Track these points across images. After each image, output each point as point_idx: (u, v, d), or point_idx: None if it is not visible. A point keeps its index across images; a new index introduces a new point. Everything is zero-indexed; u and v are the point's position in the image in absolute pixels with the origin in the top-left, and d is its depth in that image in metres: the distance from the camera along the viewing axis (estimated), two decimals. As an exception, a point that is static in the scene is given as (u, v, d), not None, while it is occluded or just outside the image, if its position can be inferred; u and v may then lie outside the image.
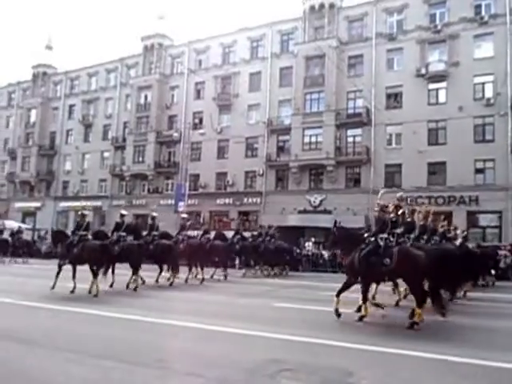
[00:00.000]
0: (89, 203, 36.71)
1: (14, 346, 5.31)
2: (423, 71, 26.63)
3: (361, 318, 7.17)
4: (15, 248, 23.63)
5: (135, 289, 10.94)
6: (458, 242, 12.60)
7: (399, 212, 8.33)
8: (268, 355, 4.89)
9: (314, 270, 22.13)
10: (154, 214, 14.24)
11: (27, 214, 41.09)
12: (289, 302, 9.60)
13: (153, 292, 11.11)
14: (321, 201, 28.39)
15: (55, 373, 4.34)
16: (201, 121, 33.66)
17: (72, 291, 9.89)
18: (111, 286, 11.15)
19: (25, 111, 42.64)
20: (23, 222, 38.68)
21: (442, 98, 26.52)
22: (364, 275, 7.50)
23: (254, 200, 30.56)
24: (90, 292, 9.76)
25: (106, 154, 38.06)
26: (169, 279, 12.78)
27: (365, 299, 7.39)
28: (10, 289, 10.60)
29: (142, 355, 4.87)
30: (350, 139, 28.72)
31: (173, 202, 30.86)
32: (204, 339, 5.81)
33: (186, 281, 13.34)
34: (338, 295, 7.50)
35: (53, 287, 10.12)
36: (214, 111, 33.04)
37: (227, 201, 31.49)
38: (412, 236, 9.05)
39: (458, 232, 13.53)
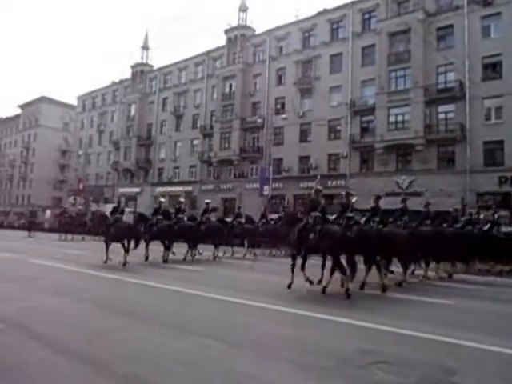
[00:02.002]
0: (180, 188, 39.86)
1: (118, 318, 5.75)
2: (526, 36, 24.12)
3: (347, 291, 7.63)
4: None
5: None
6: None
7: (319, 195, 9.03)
8: (361, 345, 4.71)
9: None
10: (162, 199, 15.90)
11: (129, 199, 45.70)
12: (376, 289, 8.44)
13: (233, 273, 11.36)
14: (410, 182, 27.22)
15: (155, 347, 4.48)
16: (283, 106, 34.30)
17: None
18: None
19: (126, 106, 47.37)
20: (126, 205, 43.10)
21: (547, 64, 23.86)
22: (297, 248, 8.64)
23: (338, 183, 30.31)
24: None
25: (195, 142, 40.70)
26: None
27: (292, 270, 8.44)
28: (114, 266, 11.39)
29: (235, 335, 5.01)
30: (442, 116, 27.12)
31: (258, 185, 32.11)
32: (294, 323, 5.77)
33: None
34: (302, 269, 8.56)
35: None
36: (296, 95, 33.44)
37: (311, 184, 31.52)
38: (350, 215, 9.15)
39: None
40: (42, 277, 9.43)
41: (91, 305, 6.56)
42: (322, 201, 8.88)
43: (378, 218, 9.65)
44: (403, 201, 11.26)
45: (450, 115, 26.80)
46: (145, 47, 47.53)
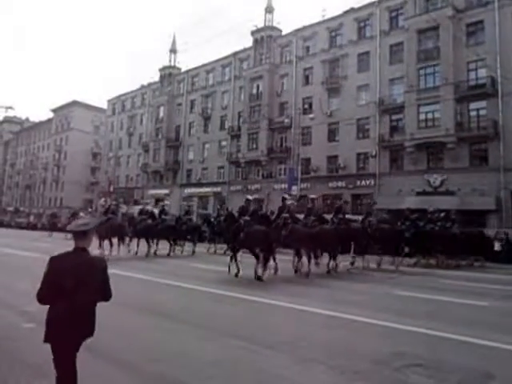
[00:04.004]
0: (209, 189, 40.63)
1: (152, 319, 5.88)
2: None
3: (259, 278, 9.96)
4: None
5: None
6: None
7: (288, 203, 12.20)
8: (394, 347, 4.67)
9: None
10: (166, 202, 17.93)
11: (158, 200, 46.78)
12: (412, 290, 9.00)
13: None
14: (442, 181, 26.96)
15: (190, 348, 4.58)
16: (310, 105, 34.48)
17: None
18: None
19: (154, 109, 48.48)
20: (155, 206, 44.24)
21: None
22: (232, 243, 11.22)
23: (368, 182, 30.33)
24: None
25: (223, 143, 41.32)
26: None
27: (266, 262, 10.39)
28: (141, 266, 12.46)
29: (268, 337, 5.03)
30: (473, 113, 26.73)
31: (286, 186, 32.40)
32: (326, 325, 5.81)
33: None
34: (232, 260, 10.80)
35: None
36: (323, 95, 33.56)
37: (339, 184, 31.80)
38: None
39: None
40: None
41: (114, 304, 6.90)
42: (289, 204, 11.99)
43: (312, 217, 12.20)
44: (373, 204, 13.86)
45: (482, 112, 26.41)
46: (172, 50, 48.48)
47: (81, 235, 2.83)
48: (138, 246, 16.16)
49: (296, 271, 11.35)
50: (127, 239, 16.07)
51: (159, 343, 4.76)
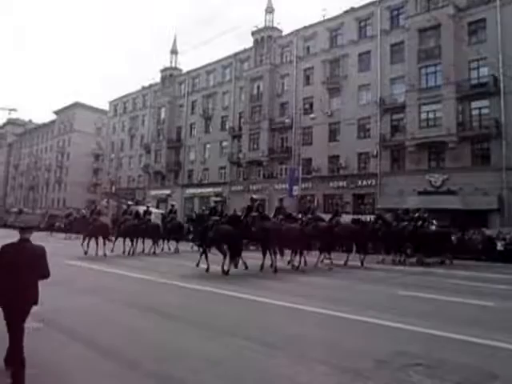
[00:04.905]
0: (210, 189, 40.60)
1: (154, 318, 6.02)
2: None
3: (226, 272, 10.95)
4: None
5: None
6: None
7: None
8: (395, 346, 4.68)
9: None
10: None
11: (160, 201, 46.82)
12: (414, 290, 9.06)
13: (268, 274, 11.87)
14: (443, 181, 26.80)
15: (191, 346, 4.65)
16: (311, 105, 34.39)
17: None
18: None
19: (156, 110, 48.56)
20: (157, 207, 44.23)
21: None
22: (201, 241, 12.31)
23: (369, 182, 30.23)
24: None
25: (224, 144, 41.31)
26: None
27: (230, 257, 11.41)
28: (147, 267, 12.92)
29: (269, 336, 5.05)
30: (475, 112, 26.52)
31: (287, 186, 32.31)
32: (327, 325, 5.85)
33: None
34: (201, 255, 12.21)
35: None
36: (324, 95, 33.45)
37: (341, 184, 31.71)
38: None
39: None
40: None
41: (121, 303, 7.03)
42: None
43: (281, 216, 13.17)
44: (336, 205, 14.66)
45: (484, 111, 26.22)
46: (173, 51, 48.53)
47: (27, 230, 3.73)
48: (123, 244, 16.91)
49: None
50: (112, 238, 16.88)
51: (161, 342, 4.82)
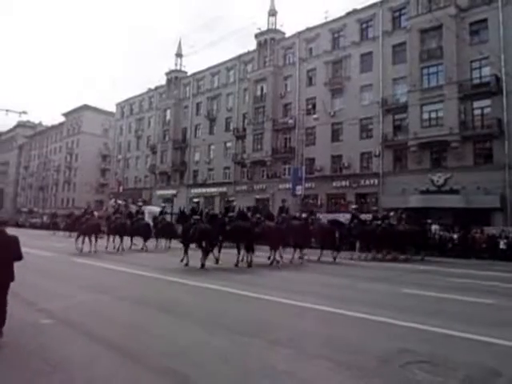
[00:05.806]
0: (215, 189, 41.07)
1: (150, 312, 6.14)
2: None
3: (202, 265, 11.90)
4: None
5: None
6: None
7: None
8: (399, 344, 4.64)
9: (440, 254, 20.35)
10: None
11: (166, 200, 47.31)
12: (418, 288, 9.01)
13: (268, 271, 12.03)
14: (445, 180, 26.84)
15: (196, 343, 4.63)
16: (314, 106, 34.61)
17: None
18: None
19: (162, 112, 49.17)
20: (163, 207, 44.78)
21: None
22: (184, 238, 13.14)
23: (372, 181, 30.40)
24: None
25: (228, 144, 41.73)
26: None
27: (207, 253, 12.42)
28: (145, 263, 13.33)
29: (273, 333, 5.06)
30: (477, 112, 26.55)
31: (290, 185, 32.61)
32: (331, 322, 5.82)
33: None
34: (185, 252, 12.90)
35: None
36: (327, 96, 33.70)
37: (344, 183, 31.92)
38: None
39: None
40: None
41: (129, 300, 7.17)
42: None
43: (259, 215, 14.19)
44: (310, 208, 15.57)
45: (487, 110, 26.25)
46: (178, 54, 49.08)
47: (2, 223, 5.09)
48: (113, 241, 17.90)
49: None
50: (105, 236, 17.98)
51: (165, 338, 4.90)
